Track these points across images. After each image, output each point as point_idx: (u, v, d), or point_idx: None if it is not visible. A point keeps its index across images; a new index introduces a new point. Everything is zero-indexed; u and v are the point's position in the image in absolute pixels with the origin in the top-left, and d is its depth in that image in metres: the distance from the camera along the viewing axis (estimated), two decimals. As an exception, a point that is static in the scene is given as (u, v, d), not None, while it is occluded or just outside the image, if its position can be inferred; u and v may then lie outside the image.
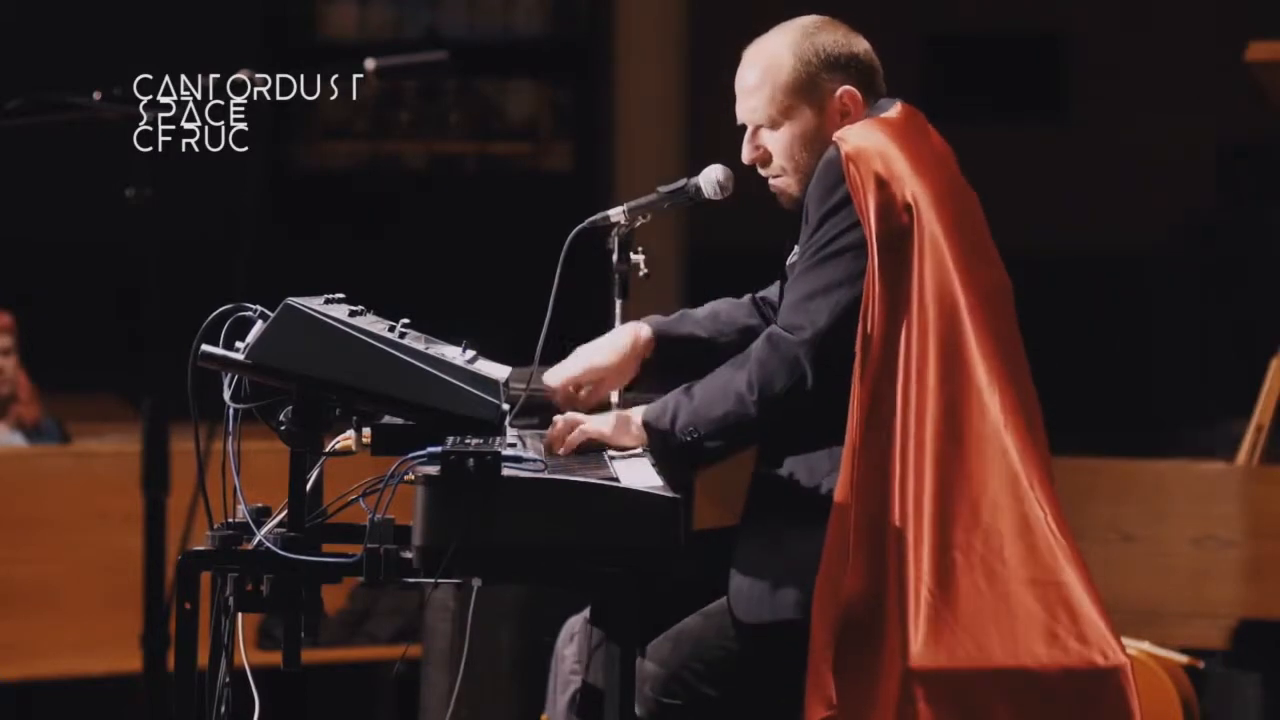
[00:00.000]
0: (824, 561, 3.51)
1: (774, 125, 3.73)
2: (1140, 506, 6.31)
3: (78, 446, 7.44)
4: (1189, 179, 12.27)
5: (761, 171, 3.78)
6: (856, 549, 3.49)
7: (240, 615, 3.43)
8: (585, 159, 13.30)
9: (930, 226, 3.57)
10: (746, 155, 3.77)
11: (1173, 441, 7.22)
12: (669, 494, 3.30)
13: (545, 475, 3.34)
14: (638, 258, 3.80)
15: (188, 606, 3.38)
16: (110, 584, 6.66)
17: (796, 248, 3.70)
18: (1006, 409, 3.56)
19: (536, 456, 3.43)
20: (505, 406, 3.40)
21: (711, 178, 3.83)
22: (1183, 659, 5.37)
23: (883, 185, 3.56)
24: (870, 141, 3.60)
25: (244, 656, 3.46)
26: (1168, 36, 12.39)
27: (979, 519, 3.51)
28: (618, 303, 3.80)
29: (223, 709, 3.44)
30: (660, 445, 3.62)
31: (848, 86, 3.71)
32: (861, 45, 3.77)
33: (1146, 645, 5.31)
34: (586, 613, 4.48)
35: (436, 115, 13.82)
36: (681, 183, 3.86)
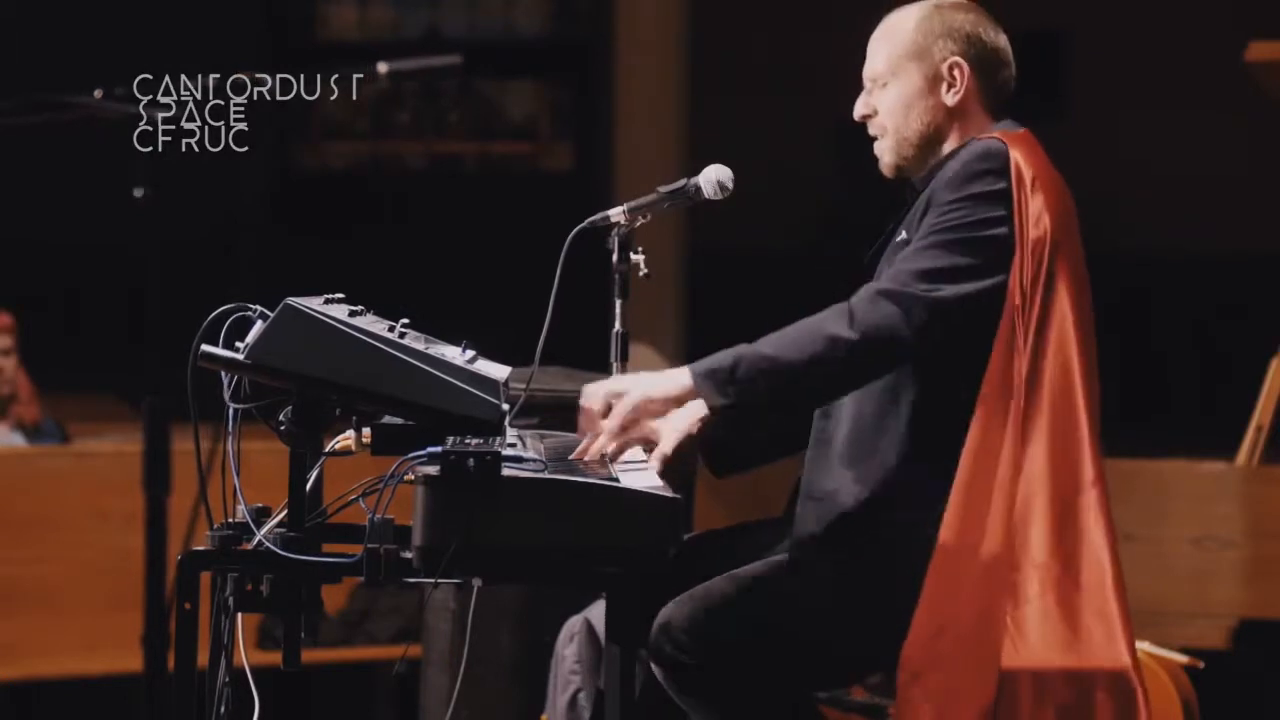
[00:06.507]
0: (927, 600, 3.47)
1: (884, 84, 3.72)
2: (1140, 506, 6.30)
3: (78, 446, 7.44)
4: (1184, 178, 12.28)
5: (870, 131, 3.76)
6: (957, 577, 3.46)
7: (240, 615, 3.42)
8: (585, 159, 13.31)
9: (1061, 263, 3.56)
10: (857, 110, 3.75)
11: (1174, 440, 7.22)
12: (669, 494, 3.29)
13: (545, 475, 3.33)
14: (638, 258, 3.79)
15: (188, 606, 3.38)
16: (111, 584, 6.65)
17: (903, 230, 3.64)
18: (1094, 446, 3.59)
19: (537, 456, 3.43)
20: (505, 406, 3.40)
21: (711, 178, 3.82)
22: (1183, 659, 5.36)
23: (1038, 205, 3.55)
24: (1023, 157, 3.58)
25: (244, 656, 3.46)
26: (1167, 36, 12.39)
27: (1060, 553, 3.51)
28: (618, 303, 3.78)
29: (223, 709, 3.44)
30: (714, 395, 3.46)
31: (958, 59, 3.69)
32: (994, 35, 3.72)
33: (1147, 645, 5.30)
34: (586, 613, 4.48)
35: (436, 115, 13.84)
36: (681, 183, 3.84)
